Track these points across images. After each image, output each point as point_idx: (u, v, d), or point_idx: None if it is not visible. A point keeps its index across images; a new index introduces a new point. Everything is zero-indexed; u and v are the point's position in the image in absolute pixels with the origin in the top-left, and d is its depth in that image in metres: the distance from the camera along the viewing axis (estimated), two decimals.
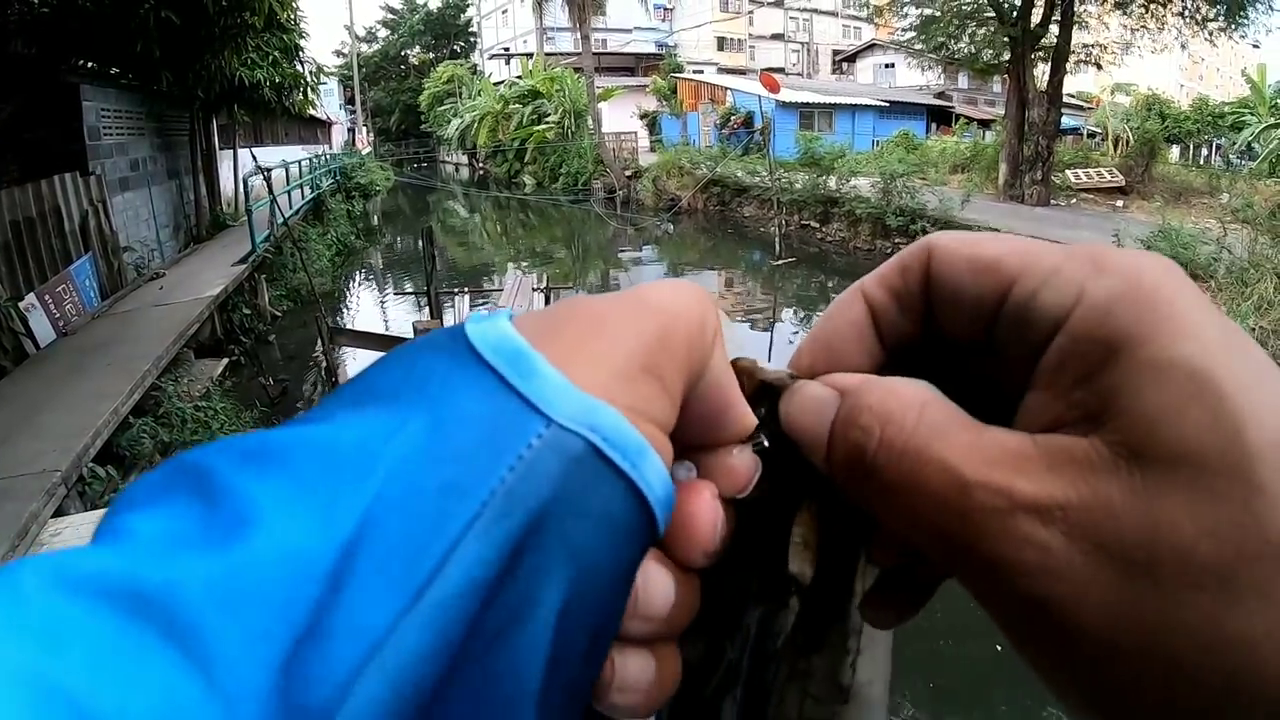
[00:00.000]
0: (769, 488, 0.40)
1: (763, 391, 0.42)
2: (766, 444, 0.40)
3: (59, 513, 6.93)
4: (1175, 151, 38.73)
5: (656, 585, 0.34)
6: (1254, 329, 15.23)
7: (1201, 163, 38.81)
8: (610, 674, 0.34)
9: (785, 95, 36.48)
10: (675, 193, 33.12)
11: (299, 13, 19.50)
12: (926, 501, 0.34)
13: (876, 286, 0.42)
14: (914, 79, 46.23)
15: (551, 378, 0.31)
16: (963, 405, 0.36)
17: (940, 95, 47.99)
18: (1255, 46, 33.39)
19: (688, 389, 0.36)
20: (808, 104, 40.29)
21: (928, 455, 0.34)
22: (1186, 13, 25.44)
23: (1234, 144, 38.11)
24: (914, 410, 0.35)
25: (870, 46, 61.76)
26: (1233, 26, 25.68)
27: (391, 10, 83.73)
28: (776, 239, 24.56)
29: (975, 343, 0.39)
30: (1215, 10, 25.15)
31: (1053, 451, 0.32)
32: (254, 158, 17.21)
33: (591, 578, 0.30)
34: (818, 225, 26.75)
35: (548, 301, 14.74)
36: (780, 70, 59.66)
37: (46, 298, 11.59)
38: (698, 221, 32.68)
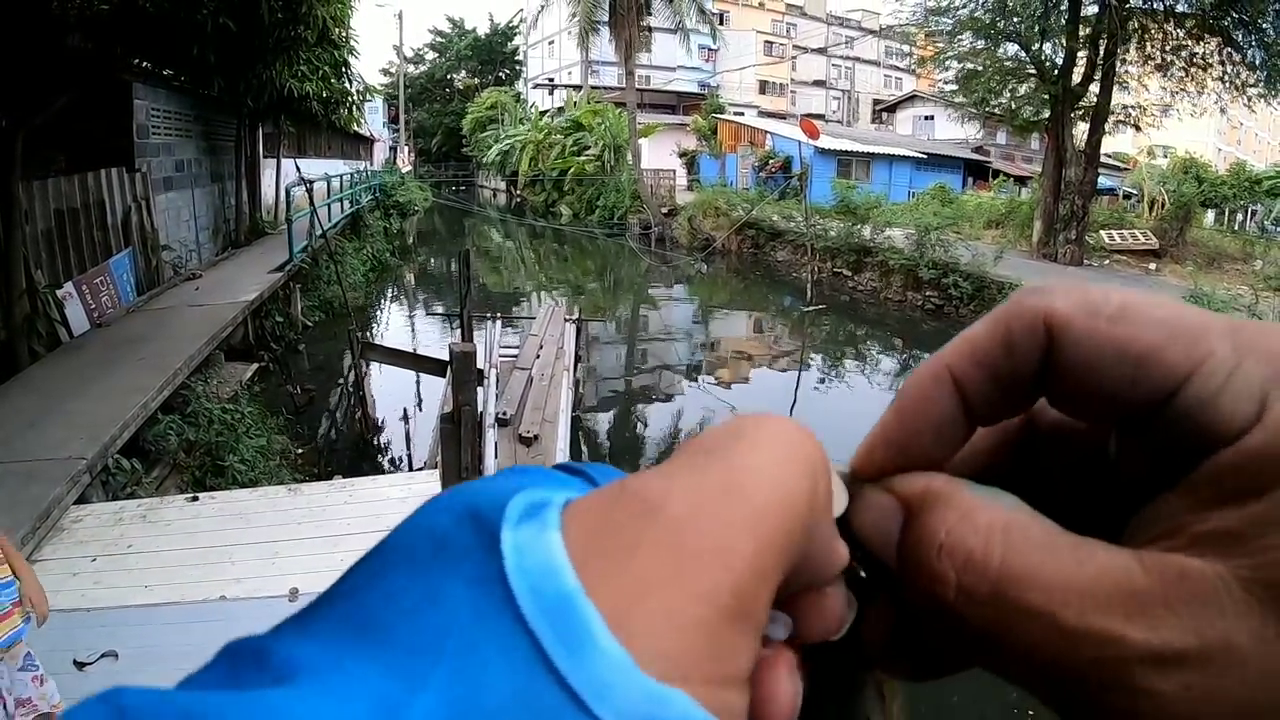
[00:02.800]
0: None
1: None
2: (863, 574, 0.35)
3: (81, 500, 6.98)
4: (1210, 216, 38.39)
5: None
6: None
7: (1236, 228, 38.48)
8: None
9: (824, 142, 36.60)
10: (710, 232, 33.20)
11: (351, 30, 19.76)
12: (1021, 651, 0.29)
13: (971, 366, 0.33)
14: (953, 132, 46.27)
15: (609, 653, 0.23)
16: (1049, 484, 0.34)
17: (978, 149, 48.02)
18: None
19: (783, 583, 0.28)
20: (846, 152, 40.40)
21: (1018, 603, 0.29)
22: (1226, 77, 25.43)
23: (1270, 211, 37.77)
24: (996, 544, 0.30)
25: (911, 97, 61.88)
26: (1272, 93, 25.66)
27: (440, 34, 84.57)
28: (808, 285, 24.56)
29: (1089, 434, 0.35)
30: (1255, 76, 25.16)
31: (1171, 580, 0.28)
32: (298, 169, 17.40)
33: None
34: (850, 273, 26.73)
35: (579, 334, 14.77)
36: (820, 117, 59.80)
37: (84, 288, 11.73)
38: (731, 263, 32.73)
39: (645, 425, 14.65)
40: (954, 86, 30.08)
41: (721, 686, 0.25)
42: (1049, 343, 0.31)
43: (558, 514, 0.26)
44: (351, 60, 20.69)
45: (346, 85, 21.43)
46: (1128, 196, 39.43)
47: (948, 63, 29.49)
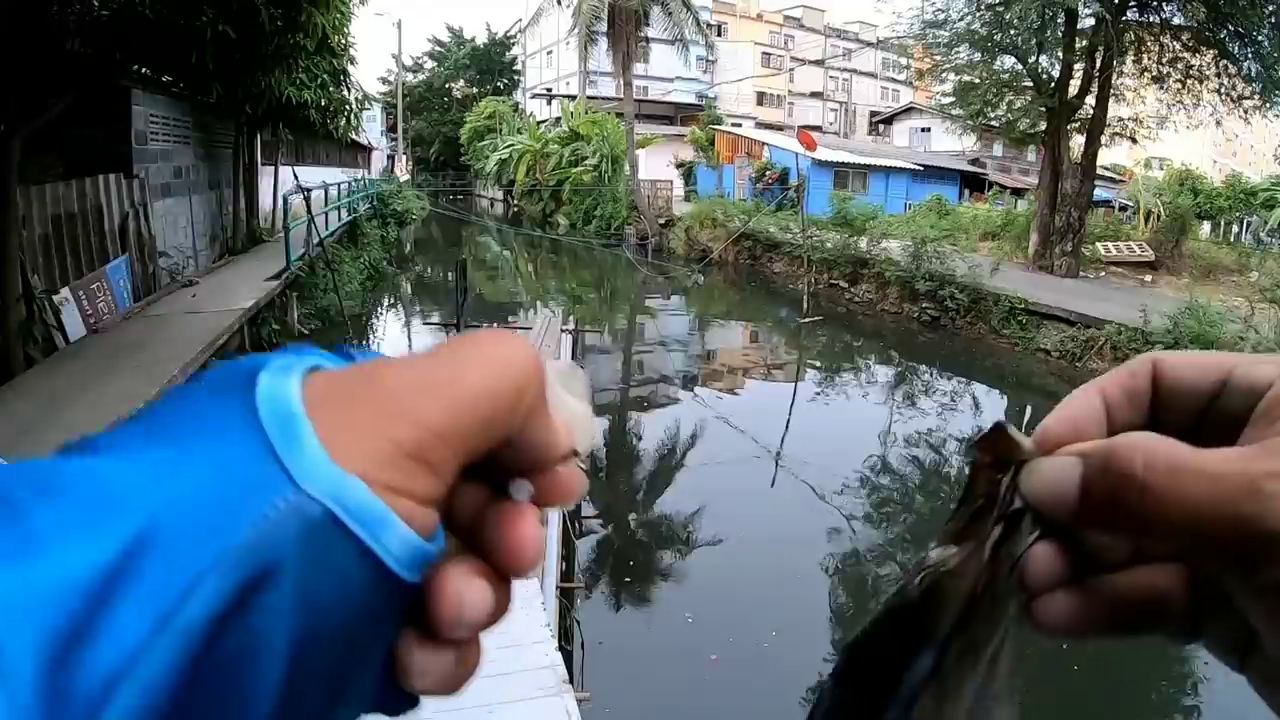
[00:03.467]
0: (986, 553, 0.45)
1: (1009, 462, 0.46)
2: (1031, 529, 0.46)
3: None
4: (1206, 228, 38.54)
5: (477, 600, 0.38)
6: None
7: (1232, 240, 38.61)
8: (408, 666, 0.39)
9: (821, 154, 36.75)
10: (707, 244, 33.27)
11: (350, 38, 19.75)
12: (1208, 501, 0.38)
13: (1111, 384, 0.49)
14: (949, 144, 46.45)
15: (309, 450, 0.34)
16: None
17: (974, 161, 48.20)
18: None
19: (482, 453, 0.39)
20: (843, 163, 40.52)
21: (1202, 465, 0.39)
22: (1222, 90, 25.56)
23: (1265, 222, 37.84)
24: (1168, 441, 0.41)
25: (908, 109, 62.18)
26: (1268, 105, 25.80)
27: (439, 43, 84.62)
28: (805, 296, 24.51)
29: (1187, 428, 0.46)
30: (1251, 88, 25.31)
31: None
32: (296, 176, 17.39)
33: (327, 625, 0.34)
34: (846, 285, 26.82)
35: (575, 345, 14.81)
36: (817, 128, 60.02)
37: (81, 293, 11.72)
38: (727, 274, 32.82)
39: (641, 435, 14.65)
40: (951, 99, 30.13)
41: (396, 496, 0.35)
42: (1154, 368, 0.48)
43: (303, 369, 0.37)
44: (350, 68, 20.68)
45: (345, 93, 21.41)
46: (1124, 209, 39.54)
47: (944, 75, 29.55)
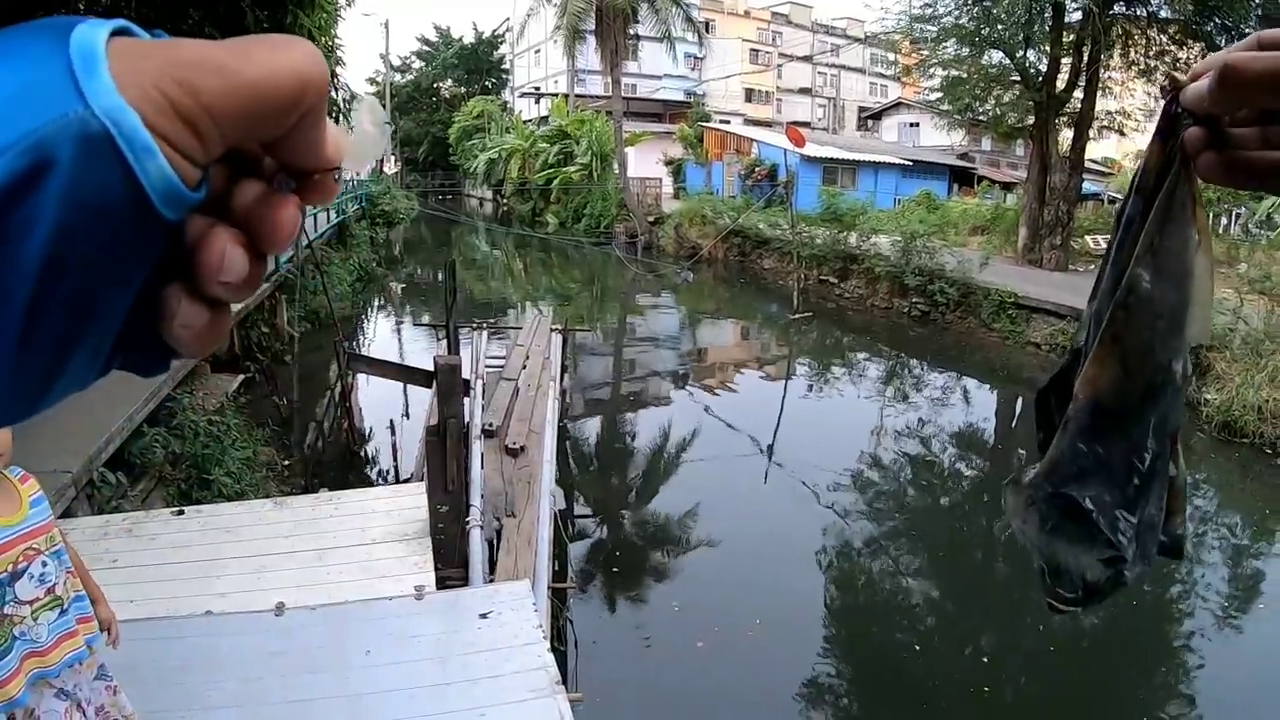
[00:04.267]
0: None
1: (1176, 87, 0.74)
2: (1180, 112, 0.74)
3: (66, 514, 6.94)
4: None
5: (236, 261, 0.45)
6: (1267, 399, 15.43)
7: (1221, 232, 38.79)
8: (173, 312, 0.45)
9: (810, 149, 36.69)
10: (696, 241, 33.28)
11: (337, 39, 19.70)
12: (1274, 66, 0.64)
13: (1236, 48, 0.69)
14: (938, 139, 46.47)
15: (102, 79, 0.39)
16: None
17: (963, 156, 48.27)
18: None
19: (253, 139, 0.45)
20: (832, 159, 40.52)
21: (1268, 54, 0.64)
22: None
23: (1254, 214, 38.05)
24: (1254, 53, 0.66)
25: (896, 105, 62.10)
26: None
27: (427, 42, 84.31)
28: (795, 293, 24.62)
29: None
30: None
31: None
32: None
33: (83, 223, 0.39)
34: (836, 281, 26.86)
35: (565, 344, 14.82)
36: (806, 124, 60.05)
37: None
38: (717, 271, 32.83)
39: (633, 434, 14.66)
40: (939, 94, 30.25)
41: (163, 140, 0.41)
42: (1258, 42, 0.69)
43: (114, 28, 0.43)
44: (338, 70, 20.63)
45: (333, 94, 21.31)
46: (1113, 201, 39.70)
47: (932, 70, 29.63)
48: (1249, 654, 9.26)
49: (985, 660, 8.48)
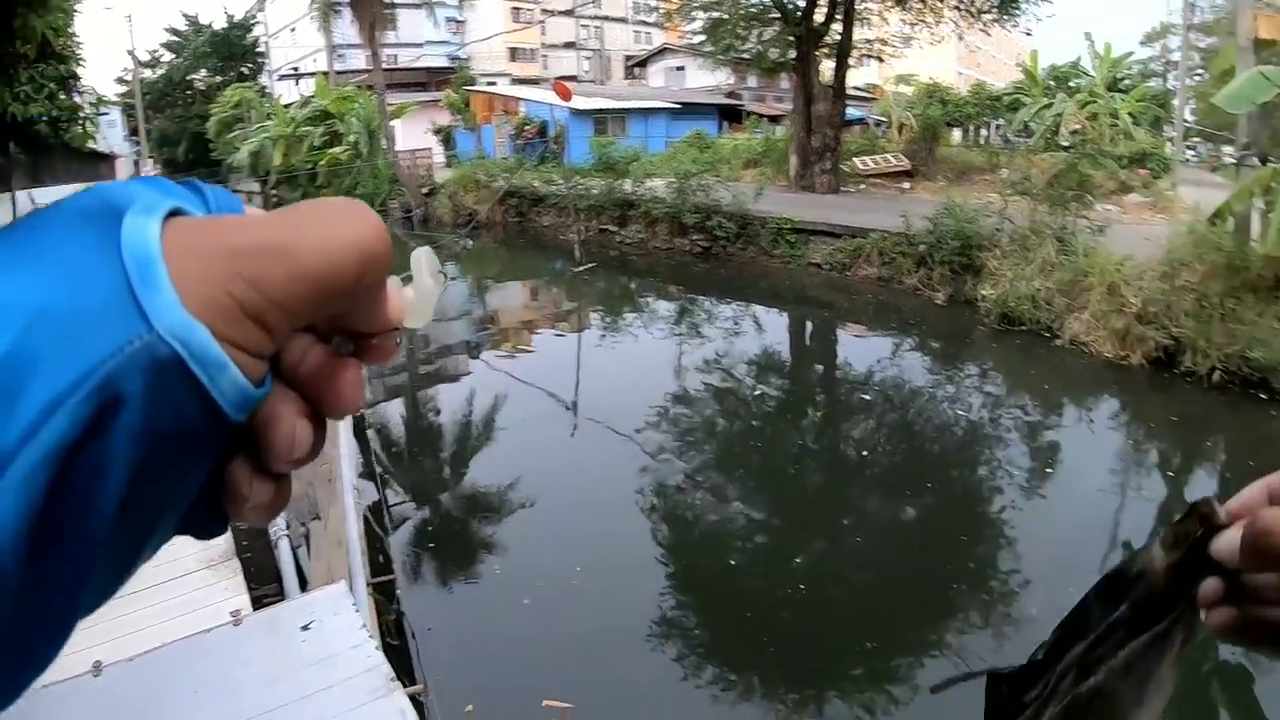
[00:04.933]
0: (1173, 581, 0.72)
1: (1204, 527, 0.70)
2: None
3: None
4: (957, 134, 41.05)
5: (305, 438, 0.44)
6: (1040, 289, 16.75)
7: (982, 143, 40.99)
8: (245, 494, 0.44)
9: (578, 102, 36.69)
10: (473, 207, 32.86)
11: (75, 39, 18.64)
12: None
13: (1275, 479, 0.70)
14: (705, 80, 47.23)
15: (165, 295, 0.37)
16: None
17: (731, 94, 49.24)
18: (1028, 34, 36.16)
19: (315, 319, 0.44)
20: (601, 110, 40.64)
21: None
22: (962, 6, 26.84)
23: (1011, 124, 40.27)
24: None
25: (661, 51, 62.70)
26: (1005, 17, 27.34)
27: (176, 32, 79.65)
28: (576, 246, 24.80)
29: None
30: (989, 2, 26.66)
31: None
32: (33, 201, 16.41)
33: (162, 450, 0.38)
34: (616, 229, 27.09)
35: None
36: (573, 78, 59.97)
37: None
38: (497, 234, 32.59)
39: (437, 412, 14.47)
40: (702, 36, 30.73)
41: (233, 346, 0.39)
42: None
43: (164, 212, 0.40)
44: (80, 71, 19.54)
45: (76, 100, 20.22)
46: (878, 124, 41.36)
47: (693, 13, 30.03)
48: (1054, 518, 10.13)
49: (800, 562, 8.84)
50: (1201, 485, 12.24)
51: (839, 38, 27.17)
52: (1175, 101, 35.01)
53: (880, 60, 31.40)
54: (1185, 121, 36.18)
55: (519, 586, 8.34)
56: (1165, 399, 14.49)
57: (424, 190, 37.86)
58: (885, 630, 7.76)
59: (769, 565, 8.85)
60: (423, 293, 0.50)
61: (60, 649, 0.40)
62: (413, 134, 44.81)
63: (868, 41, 29.77)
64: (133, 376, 0.36)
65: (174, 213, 0.41)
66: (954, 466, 12.03)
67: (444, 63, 62.18)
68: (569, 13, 71.90)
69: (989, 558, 9.18)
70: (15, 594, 0.35)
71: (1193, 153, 47.14)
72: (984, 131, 44.97)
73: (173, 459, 0.40)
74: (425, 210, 36.79)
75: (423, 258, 0.51)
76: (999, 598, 8.32)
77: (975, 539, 9.66)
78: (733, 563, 9.08)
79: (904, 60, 32.97)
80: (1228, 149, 27.50)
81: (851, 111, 33.13)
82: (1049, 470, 11.55)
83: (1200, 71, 37.85)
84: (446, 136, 46.80)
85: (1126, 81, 41.95)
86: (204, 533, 0.48)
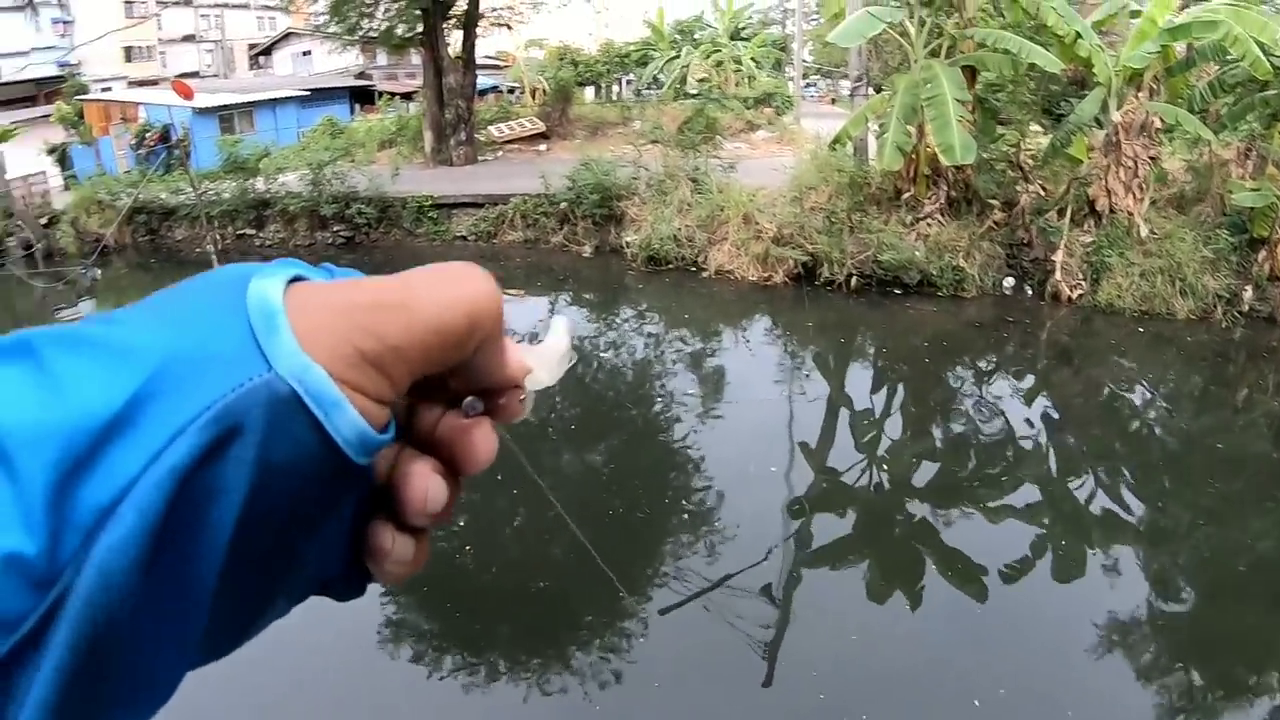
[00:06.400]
0: None
1: None
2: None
3: None
4: (590, 93, 41.64)
5: (438, 491, 0.48)
6: (680, 228, 17.52)
7: (615, 99, 41.84)
8: (387, 552, 0.49)
9: (201, 100, 34.40)
10: (99, 231, 30.37)
11: None
12: None
13: None
14: (334, 63, 45.71)
15: (284, 340, 0.42)
16: None
17: (361, 75, 48.01)
18: None
19: (434, 369, 0.47)
20: (225, 106, 38.25)
21: None
22: None
23: (641, 78, 41.54)
24: None
25: (286, 35, 60.23)
26: None
27: None
28: (213, 256, 23.43)
29: None
30: None
31: None
32: None
33: (279, 484, 0.42)
34: (254, 231, 25.62)
35: None
36: (195, 75, 56.59)
37: None
38: (129, 258, 30.02)
39: None
40: (326, 16, 29.65)
41: (351, 389, 0.43)
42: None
43: (288, 276, 0.45)
44: None
45: None
46: (511, 91, 41.30)
47: None
48: (731, 431, 10.99)
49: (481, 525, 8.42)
50: (855, 376, 13.85)
51: (466, 7, 26.78)
52: (794, 44, 37.29)
53: (509, 28, 31.28)
54: (804, 61, 39.05)
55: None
56: (811, 308, 15.93)
57: (43, 220, 34.73)
58: (608, 572, 7.84)
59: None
60: (551, 354, 0.55)
61: (179, 679, 0.43)
62: (25, 158, 40.75)
63: (495, 10, 29.58)
64: (252, 410, 0.40)
65: (297, 279, 0.46)
66: (632, 406, 12.58)
67: (54, 71, 57.08)
68: (187, 3, 68.30)
69: (683, 483, 9.62)
70: (135, 608, 0.38)
71: (813, 89, 51.42)
72: (616, 88, 46.13)
73: (294, 495, 0.43)
74: (48, 243, 33.78)
75: (562, 323, 0.57)
76: (700, 516, 8.80)
77: (667, 467, 10.12)
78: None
79: (534, 26, 33.02)
80: (844, 83, 29.61)
81: (484, 80, 33.07)
82: (718, 392, 12.46)
83: (815, 16, 39.77)
84: (61, 156, 43.25)
85: (748, 30, 44.60)
86: (344, 593, 0.52)
